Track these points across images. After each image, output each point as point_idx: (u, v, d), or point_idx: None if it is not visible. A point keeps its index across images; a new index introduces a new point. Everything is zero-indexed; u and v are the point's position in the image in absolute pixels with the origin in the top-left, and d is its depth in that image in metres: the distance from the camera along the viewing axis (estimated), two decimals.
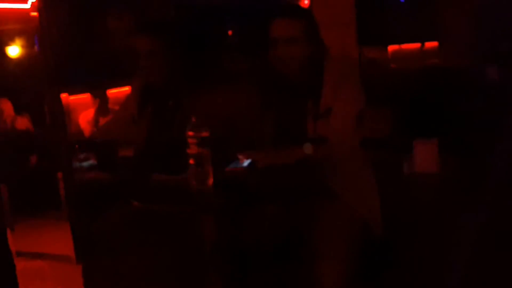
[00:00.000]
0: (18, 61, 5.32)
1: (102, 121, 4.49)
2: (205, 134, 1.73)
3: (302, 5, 4.68)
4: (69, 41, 4.41)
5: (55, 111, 1.68)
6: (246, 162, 1.94)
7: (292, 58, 2.00)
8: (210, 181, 1.75)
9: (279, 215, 1.90)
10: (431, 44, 6.66)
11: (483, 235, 2.51)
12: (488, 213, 2.72)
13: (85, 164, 2.03)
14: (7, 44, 5.31)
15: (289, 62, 2.01)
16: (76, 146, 1.92)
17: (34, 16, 1.67)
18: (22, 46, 5.30)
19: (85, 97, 4.78)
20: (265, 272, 1.83)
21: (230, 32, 6.31)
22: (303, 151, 1.90)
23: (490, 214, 2.72)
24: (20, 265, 1.96)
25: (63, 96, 4.32)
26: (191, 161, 1.73)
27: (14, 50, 5.34)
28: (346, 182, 1.98)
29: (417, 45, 6.73)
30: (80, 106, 4.80)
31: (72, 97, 4.82)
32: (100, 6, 4.89)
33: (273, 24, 2.03)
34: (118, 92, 4.63)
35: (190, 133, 1.73)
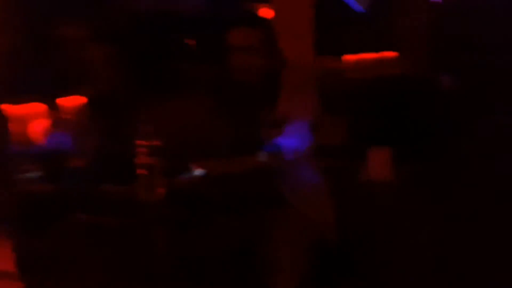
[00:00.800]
0: None
1: (53, 130, 4.36)
2: (156, 143, 1.69)
3: (261, 15, 4.69)
4: (19, 49, 4.28)
5: None
6: (198, 172, 1.91)
7: (249, 67, 2.01)
8: (160, 191, 1.71)
9: (231, 225, 1.87)
10: (387, 54, 6.79)
11: (435, 241, 2.54)
12: (440, 220, 2.76)
13: (30, 175, 1.95)
14: None
15: (246, 70, 2.02)
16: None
17: None
18: None
19: (36, 106, 4.64)
20: (218, 283, 1.80)
21: (188, 41, 6.29)
22: (257, 159, 1.89)
23: (443, 221, 2.76)
24: None
25: (8, 105, 4.19)
26: (141, 171, 1.69)
27: None
28: (298, 190, 1.97)
29: (373, 54, 6.85)
30: (31, 115, 4.65)
31: (23, 106, 4.67)
32: (54, 14, 4.79)
33: (232, 33, 2.04)
34: (70, 101, 4.52)
35: (141, 142, 1.69)
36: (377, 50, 7.05)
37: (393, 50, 6.89)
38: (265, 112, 2.03)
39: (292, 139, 1.98)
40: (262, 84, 2.05)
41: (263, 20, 2.45)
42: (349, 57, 7.10)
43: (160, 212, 1.70)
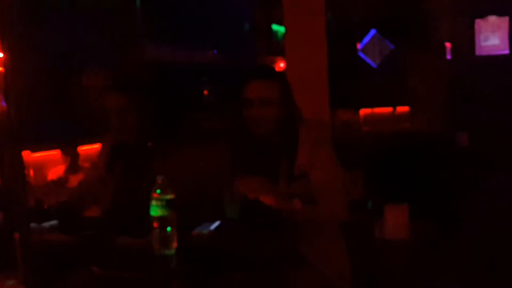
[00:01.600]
0: None
1: (72, 178, 4.40)
2: (171, 196, 1.68)
3: (277, 68, 4.77)
4: (39, 97, 4.38)
5: (15, 169, 1.62)
6: (213, 226, 1.89)
7: (267, 119, 2.01)
8: (175, 245, 1.69)
9: (246, 281, 1.83)
10: (402, 109, 6.82)
11: None
12: (458, 280, 2.68)
13: (45, 224, 1.95)
14: None
15: (263, 123, 2.01)
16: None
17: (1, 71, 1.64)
18: None
19: (55, 153, 4.69)
20: None
21: (205, 92, 6.38)
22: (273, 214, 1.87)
23: (460, 281, 2.68)
24: None
25: (26, 153, 4.23)
26: (155, 224, 1.68)
27: None
28: (316, 248, 1.94)
29: (389, 109, 6.89)
30: (50, 163, 4.70)
31: (42, 153, 4.73)
32: (74, 63, 4.92)
33: (249, 85, 2.05)
34: (89, 149, 4.57)
35: (155, 194, 1.69)
36: (392, 105, 7.08)
37: (407, 105, 6.91)
38: (283, 166, 2.01)
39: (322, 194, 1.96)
40: (279, 136, 2.04)
41: (279, 73, 2.47)
42: (365, 111, 7.13)
43: (174, 266, 1.67)
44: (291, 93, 2.10)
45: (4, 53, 1.63)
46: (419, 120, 6.20)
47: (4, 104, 1.66)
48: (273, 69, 2.26)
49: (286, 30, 3.78)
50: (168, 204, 1.67)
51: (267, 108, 2.01)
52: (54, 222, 1.94)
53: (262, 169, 2.04)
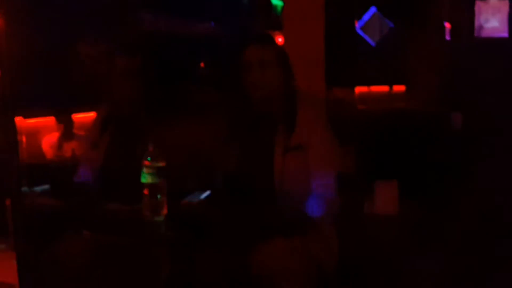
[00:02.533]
0: None
1: (66, 145, 4.40)
2: (161, 164, 1.70)
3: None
4: (36, 64, 4.35)
5: (7, 134, 1.63)
6: (203, 195, 1.92)
7: (265, 83, 2.01)
8: (164, 212, 1.71)
9: (233, 251, 1.86)
10: (399, 88, 6.82)
11: (439, 279, 2.52)
12: (445, 258, 2.73)
13: (37, 189, 1.97)
14: None
15: (262, 86, 2.01)
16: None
17: None
18: None
19: (50, 120, 4.69)
20: None
21: (202, 64, 6.35)
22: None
23: (448, 259, 2.73)
24: None
25: (19, 119, 4.22)
26: (146, 191, 1.70)
27: None
28: (303, 220, 1.96)
29: (385, 88, 6.88)
30: (44, 129, 4.70)
31: (36, 120, 4.73)
32: (71, 30, 4.87)
33: (247, 50, 2.05)
34: (84, 117, 4.56)
35: (147, 162, 1.70)
36: (387, 83, 7.08)
37: (403, 84, 6.91)
38: (279, 136, 2.02)
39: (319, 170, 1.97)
40: (277, 104, 2.03)
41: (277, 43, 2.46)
42: (361, 89, 7.12)
43: (163, 233, 1.70)
44: (289, 62, 2.10)
45: None
46: (415, 100, 6.21)
47: None
48: (272, 36, 2.26)
49: (285, 4, 3.75)
50: (158, 172, 1.69)
51: (266, 71, 2.01)
52: (46, 186, 1.95)
53: (258, 138, 2.05)
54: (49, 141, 4.55)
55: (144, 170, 1.70)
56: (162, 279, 1.75)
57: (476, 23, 7.13)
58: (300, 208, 1.90)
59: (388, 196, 2.88)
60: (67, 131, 4.49)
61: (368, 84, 6.74)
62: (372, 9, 6.99)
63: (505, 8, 6.91)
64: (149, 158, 1.70)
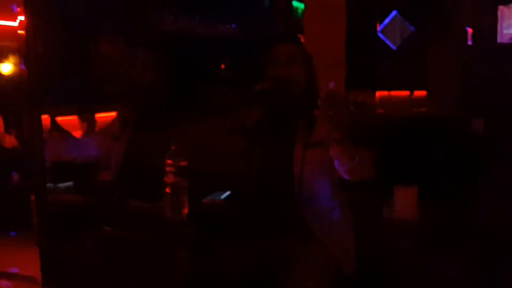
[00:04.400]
0: (10, 78, 5.31)
1: (87, 143, 4.45)
2: (183, 163, 1.72)
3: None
4: (59, 62, 4.42)
5: (33, 131, 1.66)
6: (223, 195, 1.93)
7: (292, 79, 2.03)
8: (185, 211, 1.73)
9: (252, 250, 1.88)
10: (419, 93, 6.76)
11: (458, 285, 2.50)
12: (464, 263, 2.71)
13: (61, 185, 2.00)
14: (0, 61, 5.31)
15: (289, 83, 2.02)
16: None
17: (21, 34, 1.67)
18: (15, 64, 5.30)
19: (73, 119, 4.76)
20: None
21: (222, 66, 6.38)
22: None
23: (467, 264, 2.71)
24: None
25: (45, 117, 4.27)
26: (167, 190, 1.72)
27: (6, 67, 5.34)
28: (323, 222, 1.97)
29: (406, 92, 6.83)
30: (67, 128, 4.76)
31: (60, 119, 4.79)
32: (95, 29, 4.94)
33: (276, 46, 2.07)
34: (107, 117, 4.62)
35: (169, 161, 1.72)
36: (410, 88, 7.02)
37: (424, 90, 6.85)
38: (300, 132, 2.02)
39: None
40: (302, 100, 2.04)
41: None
42: (381, 93, 7.07)
43: (183, 231, 1.72)
44: (312, 62, 2.12)
45: (25, 16, 1.66)
46: (435, 105, 6.16)
47: (24, 67, 1.70)
48: (299, 37, 2.28)
49: (305, 6, 3.76)
50: (180, 171, 1.71)
51: (293, 67, 2.04)
52: (69, 183, 1.99)
53: (279, 135, 2.06)
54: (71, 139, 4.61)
55: (166, 168, 1.72)
56: (182, 277, 1.77)
57: (499, 28, 7.05)
58: (320, 206, 1.90)
59: (407, 201, 2.86)
60: (90, 130, 4.55)
61: (389, 88, 6.70)
62: (394, 12, 6.95)
63: None
64: (171, 157, 1.72)
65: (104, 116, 4.69)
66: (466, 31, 6.82)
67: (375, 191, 3.02)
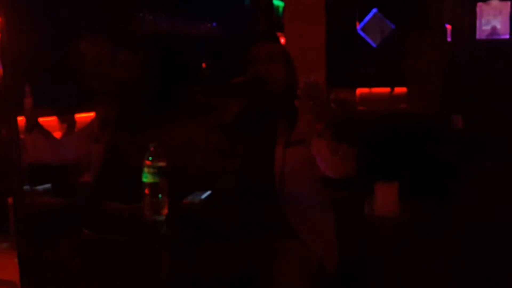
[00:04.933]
0: None
1: (66, 144, 4.41)
2: (162, 163, 1.71)
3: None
4: (38, 62, 4.37)
5: (9, 133, 1.64)
6: (204, 195, 1.93)
7: (272, 77, 2.02)
8: (165, 212, 1.72)
9: (234, 250, 1.87)
10: (400, 90, 6.83)
11: (439, 281, 2.52)
12: (445, 259, 2.73)
13: (39, 188, 1.98)
14: None
15: (268, 80, 2.02)
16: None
17: None
18: None
19: (52, 120, 4.71)
20: None
21: (203, 65, 6.37)
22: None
23: (448, 260, 2.73)
24: None
25: (21, 118, 4.22)
26: (147, 191, 1.71)
27: None
28: (304, 220, 1.97)
29: (386, 89, 6.89)
30: (47, 129, 4.71)
31: (39, 120, 4.73)
32: (73, 30, 4.90)
33: (256, 45, 2.08)
34: (86, 117, 4.58)
35: (148, 162, 1.71)
36: (388, 85, 7.08)
37: (404, 86, 6.91)
38: (281, 129, 2.02)
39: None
40: (282, 98, 2.04)
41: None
42: (362, 90, 7.13)
43: (163, 232, 1.71)
44: (291, 60, 2.13)
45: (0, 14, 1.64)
46: (416, 102, 6.22)
47: (0, 67, 1.67)
48: (278, 36, 2.29)
49: (285, 5, 3.76)
50: (159, 171, 1.70)
51: (273, 65, 2.04)
52: (47, 185, 1.96)
53: (260, 133, 2.05)
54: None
55: (145, 169, 1.70)
56: (163, 279, 1.76)
57: (478, 25, 7.14)
58: (301, 203, 1.91)
59: (388, 198, 2.88)
60: (70, 131, 4.51)
61: (369, 85, 6.75)
62: (374, 10, 7.00)
63: (507, 10, 6.93)
64: (150, 158, 1.70)
65: (84, 117, 4.65)
66: (445, 28, 6.89)
67: (356, 188, 3.04)
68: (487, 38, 7.14)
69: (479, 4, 7.02)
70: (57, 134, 4.56)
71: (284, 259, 1.85)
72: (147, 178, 1.71)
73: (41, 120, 4.72)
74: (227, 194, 2.01)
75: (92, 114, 4.30)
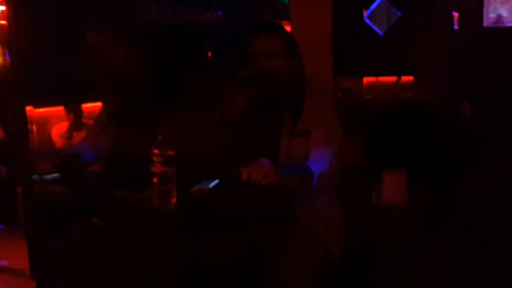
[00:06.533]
0: None
1: (75, 135, 4.43)
2: (170, 152, 1.71)
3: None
4: (45, 53, 4.38)
5: (18, 123, 1.65)
6: (211, 184, 1.93)
7: (271, 71, 2.01)
8: (173, 200, 1.73)
9: (241, 239, 1.88)
10: (406, 79, 6.79)
11: (446, 269, 2.52)
12: (453, 247, 2.74)
13: (48, 177, 1.99)
14: None
15: (269, 75, 2.01)
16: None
17: (4, 25, 1.65)
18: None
19: (59, 110, 4.72)
20: None
21: (209, 54, 6.35)
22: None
23: (455, 248, 2.74)
24: None
25: (29, 108, 4.24)
26: (155, 180, 1.71)
27: None
28: (311, 208, 1.97)
29: (393, 78, 6.85)
30: (54, 119, 4.74)
31: (46, 109, 4.76)
32: (80, 19, 4.90)
33: (254, 39, 2.04)
34: (93, 107, 4.59)
35: (156, 151, 1.72)
36: (397, 74, 7.04)
37: (411, 75, 6.87)
38: (286, 121, 2.02)
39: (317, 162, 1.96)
40: (285, 90, 2.03)
41: (285, 29, 2.45)
42: (369, 79, 7.09)
43: (171, 220, 1.72)
44: (297, 50, 2.09)
45: (6, 6, 1.64)
46: (422, 90, 6.19)
47: (8, 58, 1.67)
48: (279, 24, 2.24)
49: None
50: (167, 161, 1.71)
51: (272, 60, 2.01)
52: (56, 174, 1.97)
53: (265, 124, 2.05)
54: (58, 130, 4.59)
55: (153, 158, 1.71)
56: (170, 267, 1.77)
57: (485, 12, 7.07)
58: (307, 193, 1.90)
59: (396, 186, 2.88)
60: (77, 121, 4.52)
61: (376, 74, 6.71)
62: None
63: None
64: (158, 147, 1.71)
65: (91, 107, 4.66)
66: (452, 16, 6.83)
67: (363, 176, 3.04)
68: (492, 25, 7.07)
69: None
70: (64, 124, 4.58)
71: (291, 247, 1.85)
72: (155, 167, 1.71)
73: (48, 110, 4.74)
74: (235, 183, 2.01)
75: (98, 104, 4.31)
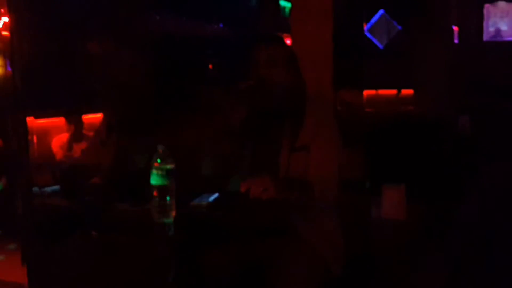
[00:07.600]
0: None
1: (76, 146, 4.44)
2: (171, 165, 1.71)
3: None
4: (46, 65, 4.39)
5: (18, 134, 1.65)
6: (211, 198, 1.93)
7: (274, 82, 2.01)
8: (173, 214, 1.72)
9: (241, 252, 1.87)
10: (407, 91, 6.80)
11: (445, 283, 2.51)
12: (451, 262, 2.73)
13: (47, 189, 1.99)
14: None
15: (270, 86, 2.01)
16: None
17: (5, 36, 1.65)
18: (0, 66, 5.25)
19: (60, 121, 4.72)
20: None
21: (210, 66, 6.37)
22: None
23: (454, 263, 2.73)
24: None
25: (30, 119, 4.24)
26: (155, 193, 1.71)
27: None
28: (311, 222, 1.97)
29: (393, 91, 6.87)
30: (55, 130, 4.74)
31: (47, 121, 4.76)
32: (81, 30, 4.91)
33: (256, 49, 2.05)
34: (93, 118, 4.59)
35: (156, 164, 1.71)
36: (395, 86, 7.05)
37: (411, 88, 6.88)
38: (286, 136, 2.02)
39: (317, 175, 1.96)
40: (286, 102, 2.03)
41: (286, 43, 2.45)
42: (369, 92, 7.11)
43: (171, 234, 1.71)
44: (297, 62, 2.10)
45: (9, 17, 1.64)
46: (423, 103, 6.20)
47: (9, 69, 1.68)
48: (280, 36, 2.25)
49: (292, 6, 3.76)
50: (168, 174, 1.70)
51: (274, 69, 2.01)
52: (56, 187, 1.97)
53: (265, 138, 2.05)
54: (59, 142, 4.59)
55: (153, 171, 1.70)
56: (169, 281, 1.76)
57: (485, 26, 7.11)
58: (304, 208, 1.90)
59: (395, 200, 2.88)
60: (77, 132, 4.52)
61: (376, 87, 6.73)
62: (380, 12, 6.98)
63: None
64: (158, 160, 1.70)
65: (91, 118, 4.67)
66: (452, 30, 6.87)
67: (363, 190, 3.04)
68: (492, 40, 7.11)
69: (486, 5, 6.99)
70: (65, 135, 4.59)
71: (290, 261, 1.85)
72: (155, 180, 1.71)
73: (48, 121, 4.74)
74: (234, 197, 2.01)
75: (99, 115, 4.32)
